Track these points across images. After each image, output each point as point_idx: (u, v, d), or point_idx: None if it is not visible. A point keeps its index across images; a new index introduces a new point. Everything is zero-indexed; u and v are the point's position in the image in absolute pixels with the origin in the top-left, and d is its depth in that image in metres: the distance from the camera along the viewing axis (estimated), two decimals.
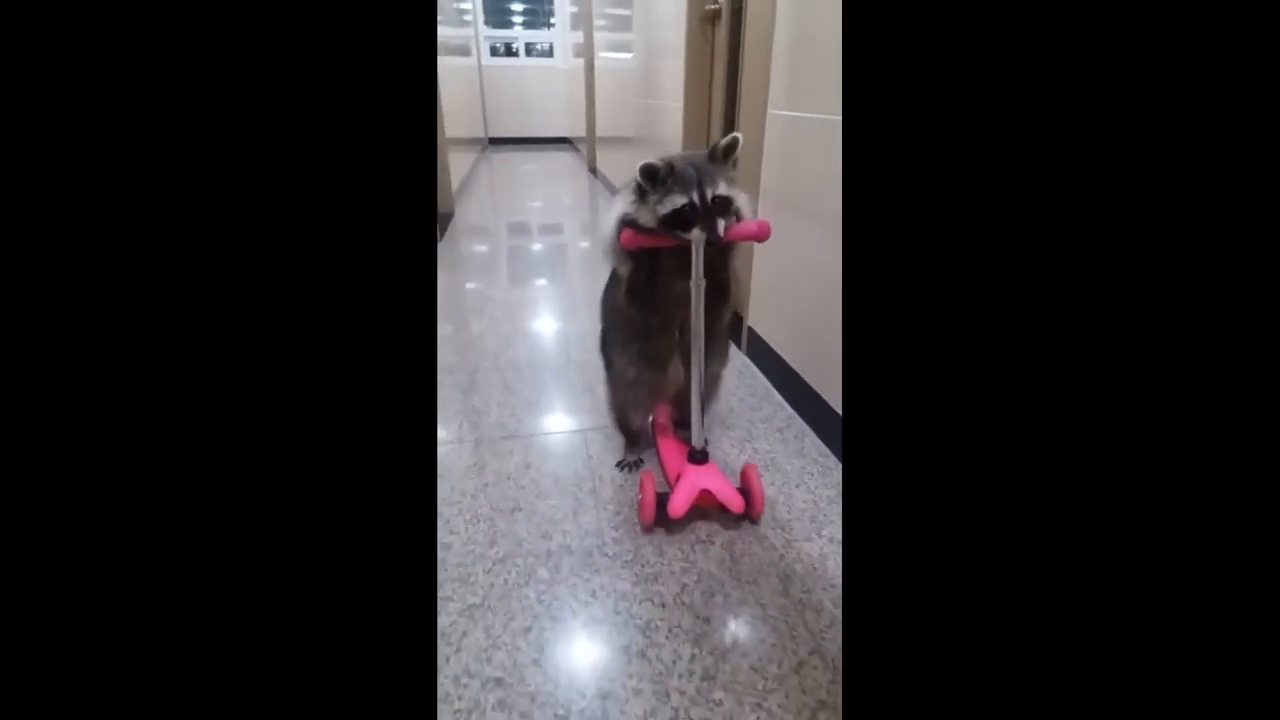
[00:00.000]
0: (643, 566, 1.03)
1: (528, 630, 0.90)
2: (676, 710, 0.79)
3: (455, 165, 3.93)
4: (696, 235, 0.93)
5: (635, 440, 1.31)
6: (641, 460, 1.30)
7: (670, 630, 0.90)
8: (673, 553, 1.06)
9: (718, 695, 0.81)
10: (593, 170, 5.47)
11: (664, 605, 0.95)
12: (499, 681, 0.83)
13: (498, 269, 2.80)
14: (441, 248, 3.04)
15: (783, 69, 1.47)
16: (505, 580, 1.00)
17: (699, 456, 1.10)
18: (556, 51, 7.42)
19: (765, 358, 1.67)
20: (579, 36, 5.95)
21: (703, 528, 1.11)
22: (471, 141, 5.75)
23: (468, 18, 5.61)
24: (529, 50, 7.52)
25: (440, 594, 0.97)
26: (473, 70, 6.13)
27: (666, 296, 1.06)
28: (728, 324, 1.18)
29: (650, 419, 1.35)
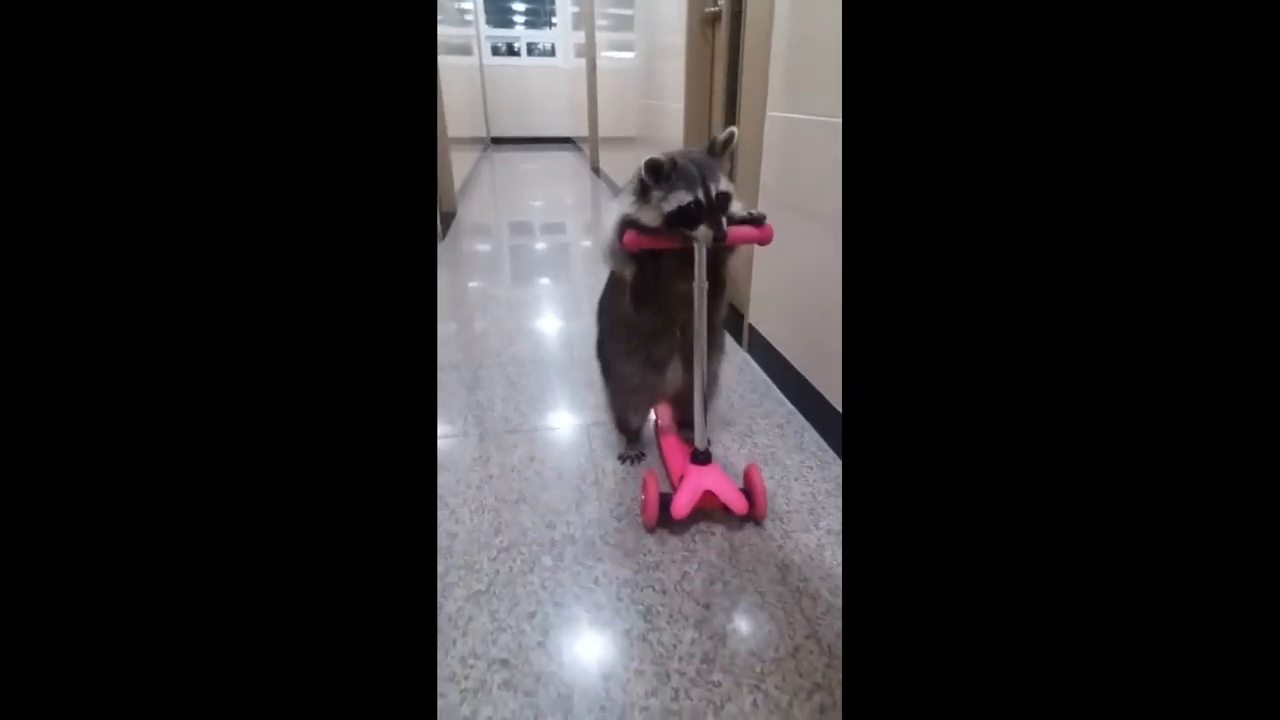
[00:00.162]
0: (644, 555, 1.05)
1: (532, 615, 0.93)
2: (676, 690, 0.82)
3: (457, 165, 3.95)
4: (704, 233, 0.92)
5: (636, 438, 1.33)
6: (643, 454, 1.33)
7: (671, 615, 0.93)
8: (674, 542, 1.08)
9: (716, 677, 0.84)
10: (595, 170, 5.50)
11: (665, 592, 0.98)
12: (504, 663, 0.85)
13: (500, 268, 2.82)
14: (444, 247, 3.07)
15: (781, 72, 1.50)
16: (510, 567, 1.03)
17: (702, 457, 1.10)
18: (558, 51, 7.45)
19: (765, 354, 1.70)
20: (581, 36, 5.97)
21: (703, 518, 1.14)
22: (473, 141, 5.77)
23: (469, 17, 5.64)
24: (530, 50, 7.55)
25: (447, 580, 1.00)
26: (474, 70, 6.15)
27: (668, 298, 1.07)
28: (724, 318, 1.19)
29: (654, 418, 1.37)
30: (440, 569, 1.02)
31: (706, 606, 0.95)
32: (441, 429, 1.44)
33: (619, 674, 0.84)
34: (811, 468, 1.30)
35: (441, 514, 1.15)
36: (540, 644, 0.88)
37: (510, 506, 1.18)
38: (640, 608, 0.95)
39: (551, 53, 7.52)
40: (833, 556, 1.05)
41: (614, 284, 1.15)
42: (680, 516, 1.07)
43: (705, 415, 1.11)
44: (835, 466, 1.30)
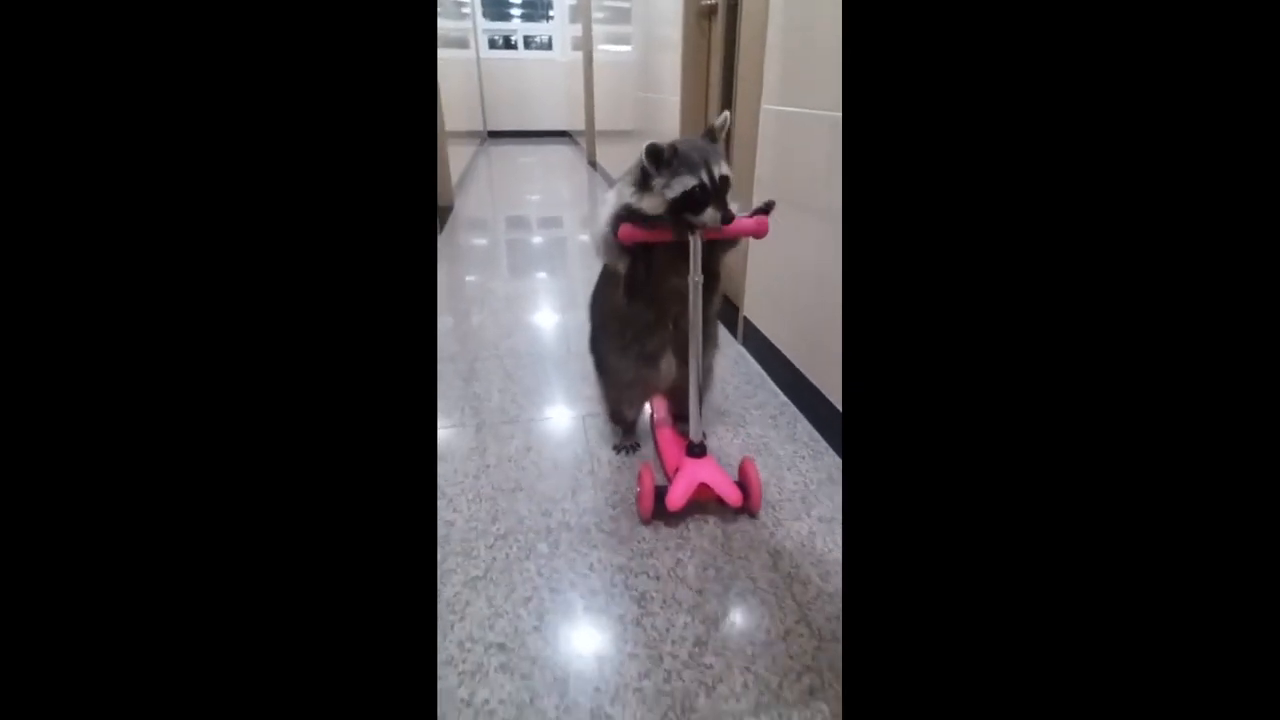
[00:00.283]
0: (639, 542, 1.07)
1: (528, 600, 0.95)
2: (669, 672, 0.84)
3: (455, 158, 3.95)
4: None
5: (631, 429, 1.35)
6: (638, 445, 1.34)
7: (664, 601, 0.95)
8: (667, 530, 1.10)
9: (709, 659, 0.86)
10: (592, 163, 5.49)
11: (658, 578, 1.00)
12: (501, 646, 0.87)
13: (497, 261, 2.83)
14: (442, 240, 3.08)
15: (776, 64, 1.50)
16: (507, 554, 1.04)
17: (697, 450, 1.11)
18: (555, 44, 7.42)
19: (760, 347, 1.72)
20: (578, 29, 5.95)
21: (698, 510, 1.15)
22: (470, 134, 5.76)
23: (466, 10, 5.61)
24: (527, 43, 7.52)
25: (445, 567, 1.01)
26: (471, 63, 6.14)
27: (661, 292, 1.07)
28: (718, 312, 1.20)
29: (649, 411, 1.38)
30: (438, 556, 1.04)
31: (699, 592, 0.97)
32: (440, 420, 1.46)
33: (613, 657, 0.86)
34: (804, 458, 1.31)
35: (440, 503, 1.17)
36: (536, 628, 0.90)
37: (507, 495, 1.19)
38: (634, 593, 0.96)
39: (548, 46, 7.49)
40: (823, 543, 1.07)
41: (607, 277, 1.15)
42: (675, 509, 1.08)
43: (700, 409, 1.12)
44: (828, 457, 1.32)
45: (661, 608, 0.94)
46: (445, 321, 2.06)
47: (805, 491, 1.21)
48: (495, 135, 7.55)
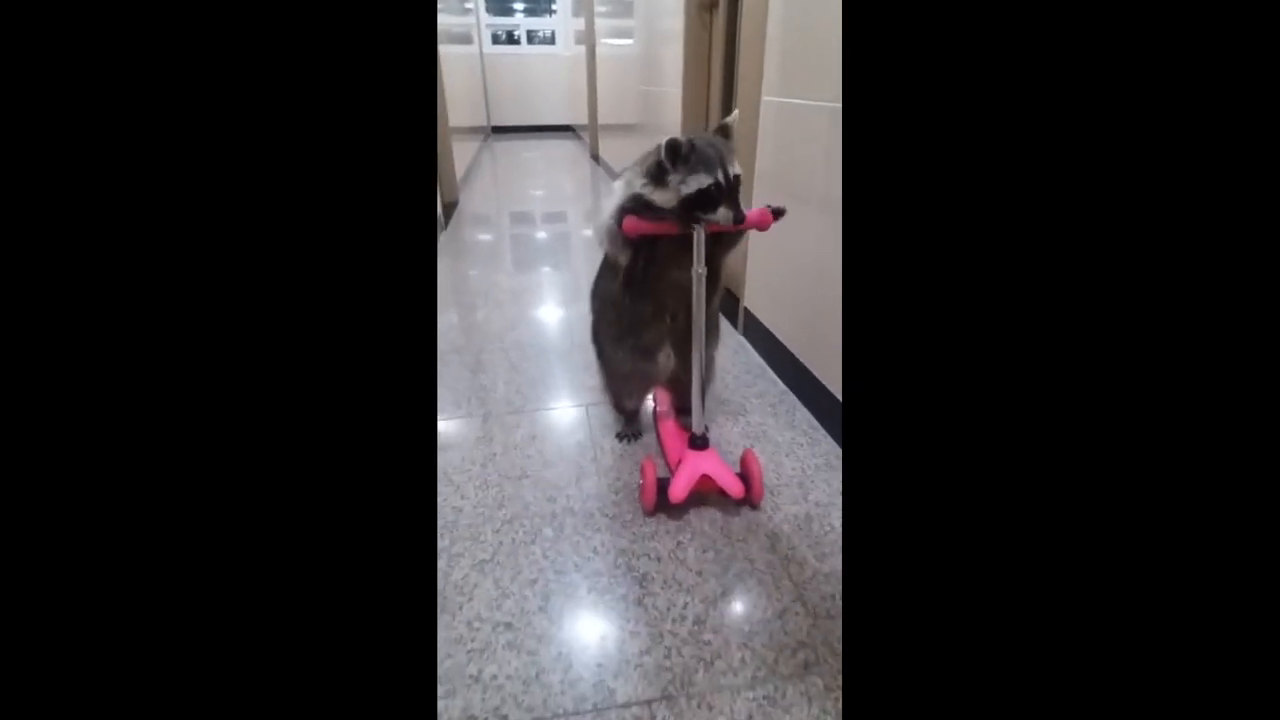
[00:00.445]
0: (641, 526, 1.10)
1: (534, 581, 0.98)
2: (669, 649, 0.87)
3: (459, 154, 3.97)
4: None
5: (633, 417, 1.37)
6: (640, 433, 1.37)
7: (665, 581, 0.98)
8: (669, 516, 1.13)
9: (707, 636, 0.89)
10: (595, 158, 5.50)
11: (659, 560, 1.03)
12: (508, 625, 0.91)
13: (502, 256, 2.86)
14: (447, 236, 3.11)
15: (777, 56, 1.52)
16: (513, 539, 1.08)
17: (699, 442, 1.12)
18: (558, 38, 7.42)
19: (760, 337, 1.74)
20: (580, 23, 5.95)
21: (699, 501, 1.18)
22: (474, 130, 5.78)
23: (469, 5, 5.63)
24: (530, 38, 7.52)
25: (453, 551, 1.05)
26: (474, 58, 6.15)
27: (660, 285, 1.08)
28: (719, 305, 1.22)
29: (652, 403, 1.40)
30: (447, 541, 1.07)
31: (699, 573, 1.00)
32: (446, 411, 1.49)
33: (615, 635, 0.89)
34: (802, 444, 1.34)
35: (447, 490, 1.20)
36: (541, 608, 0.94)
37: (513, 482, 1.23)
38: (636, 575, 1.00)
39: (551, 40, 7.49)
40: (820, 526, 1.10)
41: (607, 267, 1.17)
42: (678, 501, 1.09)
43: (703, 401, 1.13)
44: (825, 444, 1.34)
45: (662, 588, 0.97)
46: (451, 315, 2.10)
47: (803, 477, 1.23)
48: (499, 130, 7.57)
